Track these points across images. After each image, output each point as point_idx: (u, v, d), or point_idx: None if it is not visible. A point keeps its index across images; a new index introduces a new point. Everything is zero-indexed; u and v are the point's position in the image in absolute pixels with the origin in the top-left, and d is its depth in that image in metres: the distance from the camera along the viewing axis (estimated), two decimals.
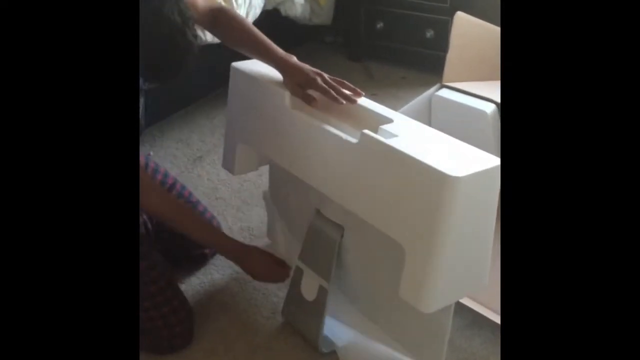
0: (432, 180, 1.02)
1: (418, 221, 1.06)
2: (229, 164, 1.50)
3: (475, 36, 2.09)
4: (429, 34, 2.64)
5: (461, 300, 1.37)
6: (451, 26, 1.99)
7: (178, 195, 1.55)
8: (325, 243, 1.32)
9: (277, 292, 1.50)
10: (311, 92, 1.26)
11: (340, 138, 1.17)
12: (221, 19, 1.36)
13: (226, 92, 1.47)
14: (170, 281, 1.37)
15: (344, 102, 1.24)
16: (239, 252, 1.40)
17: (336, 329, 1.34)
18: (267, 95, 1.33)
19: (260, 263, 1.40)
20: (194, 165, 2.04)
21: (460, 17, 2.02)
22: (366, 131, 1.13)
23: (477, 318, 1.40)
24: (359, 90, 1.28)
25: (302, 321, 1.36)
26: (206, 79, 2.17)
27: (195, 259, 1.59)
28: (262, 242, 1.66)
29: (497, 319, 1.37)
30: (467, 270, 1.10)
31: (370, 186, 1.13)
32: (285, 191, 1.51)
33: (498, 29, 2.20)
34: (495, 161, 1.06)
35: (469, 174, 1.02)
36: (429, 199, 1.04)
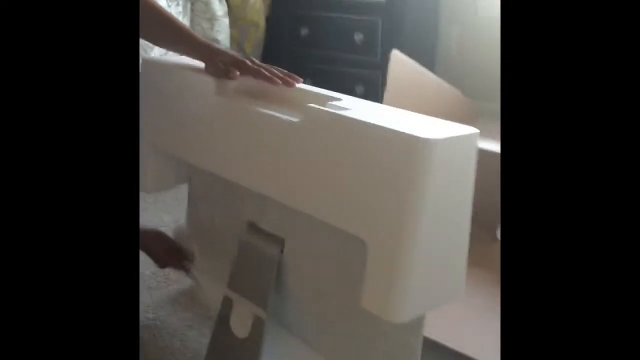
0: (401, 149, 0.81)
1: (384, 205, 0.83)
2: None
3: (410, 81, 1.97)
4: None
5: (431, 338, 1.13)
6: (387, 62, 1.85)
7: None
8: (261, 261, 1.06)
9: (200, 338, 1.21)
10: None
11: (279, 119, 0.95)
12: None
13: None
14: None
15: (280, 83, 1.04)
16: None
17: None
18: (188, 84, 1.10)
19: (157, 243, 1.29)
20: None
21: (396, 56, 1.89)
22: (312, 105, 0.92)
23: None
24: (295, 75, 1.08)
25: None
26: None
27: None
28: (181, 286, 1.39)
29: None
30: (443, 268, 0.88)
31: (319, 172, 0.90)
32: (209, 212, 1.25)
33: (432, 75, 2.10)
34: (473, 129, 0.86)
35: (445, 137, 0.82)
36: (397, 174, 0.82)
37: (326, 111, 0.90)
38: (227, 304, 1.10)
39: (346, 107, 0.92)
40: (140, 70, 1.21)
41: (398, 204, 0.82)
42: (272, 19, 2.52)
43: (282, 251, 1.05)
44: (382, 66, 1.85)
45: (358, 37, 2.44)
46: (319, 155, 0.90)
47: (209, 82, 1.06)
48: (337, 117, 0.88)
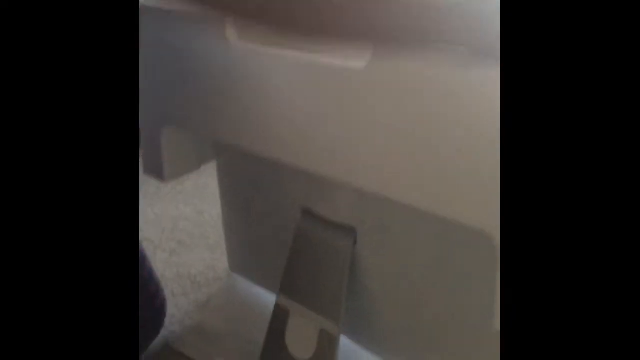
0: None
1: None
2: (153, 166, 0.97)
3: None
4: None
5: None
6: None
7: None
8: (328, 257, 0.80)
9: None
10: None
11: (334, 68, 0.68)
12: None
13: None
14: None
15: None
16: None
17: None
18: (196, 29, 0.82)
19: None
20: None
21: None
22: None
23: None
24: None
25: None
26: None
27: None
28: (209, 290, 1.14)
29: None
30: None
31: (403, 139, 0.64)
32: (247, 198, 0.99)
33: None
34: None
35: None
36: None
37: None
38: (280, 315, 0.84)
39: None
40: (140, 24, 0.94)
41: None
42: None
43: (355, 243, 0.79)
44: None
45: None
46: (403, 115, 0.63)
47: (225, 22, 0.78)
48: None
